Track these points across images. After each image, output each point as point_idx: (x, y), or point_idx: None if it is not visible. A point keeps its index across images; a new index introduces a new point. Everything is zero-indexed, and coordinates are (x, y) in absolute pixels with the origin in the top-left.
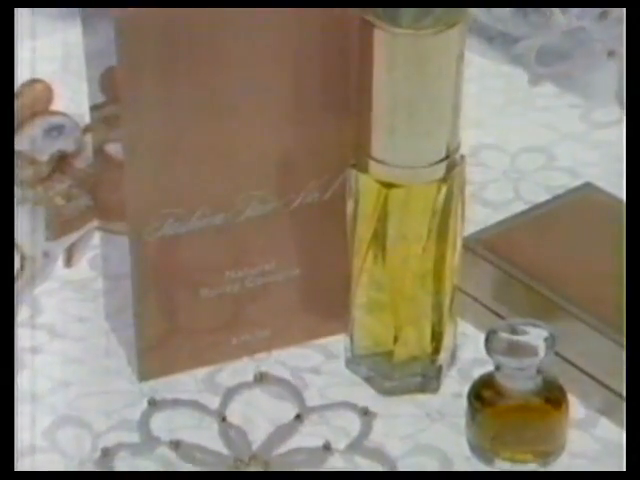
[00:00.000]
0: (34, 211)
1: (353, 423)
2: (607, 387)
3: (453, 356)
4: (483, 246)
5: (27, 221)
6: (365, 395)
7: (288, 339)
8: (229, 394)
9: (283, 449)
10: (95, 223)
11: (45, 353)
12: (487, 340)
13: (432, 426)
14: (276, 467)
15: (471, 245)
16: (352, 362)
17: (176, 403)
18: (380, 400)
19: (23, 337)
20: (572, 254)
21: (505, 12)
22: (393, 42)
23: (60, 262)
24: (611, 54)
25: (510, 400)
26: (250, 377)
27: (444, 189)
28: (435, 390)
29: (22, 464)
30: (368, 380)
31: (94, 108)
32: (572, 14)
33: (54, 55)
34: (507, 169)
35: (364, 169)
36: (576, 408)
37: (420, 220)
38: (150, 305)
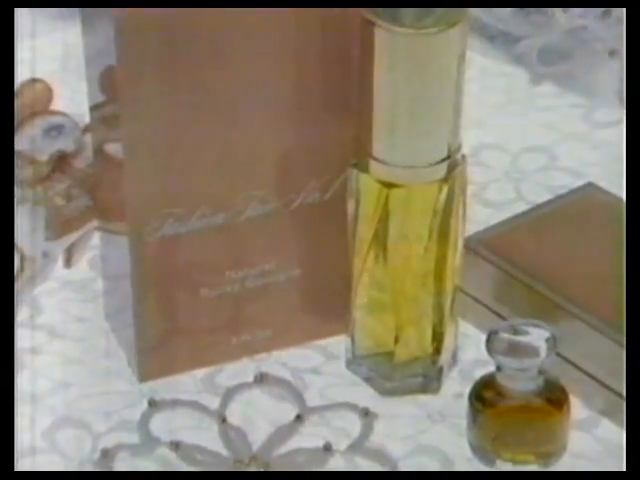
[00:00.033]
0: (34, 211)
1: (354, 424)
2: (608, 388)
3: (454, 357)
4: (484, 246)
5: (27, 221)
6: (366, 396)
7: (288, 339)
8: (229, 395)
9: (283, 450)
10: (95, 223)
11: (45, 354)
12: (488, 341)
13: (433, 427)
14: (276, 468)
15: (472, 245)
16: (353, 363)
17: (176, 404)
18: (381, 401)
19: (23, 337)
20: (574, 254)
21: (506, 11)
22: (394, 41)
23: (60, 262)
24: (613, 53)
25: (511, 401)
26: (250, 378)
27: (445, 189)
28: (436, 391)
29: (22, 465)
30: (369, 381)
31: (94, 108)
32: (574, 13)
33: (54, 55)
34: (508, 169)
35: (365, 169)
36: (577, 409)
37: (421, 220)
38: (150, 305)
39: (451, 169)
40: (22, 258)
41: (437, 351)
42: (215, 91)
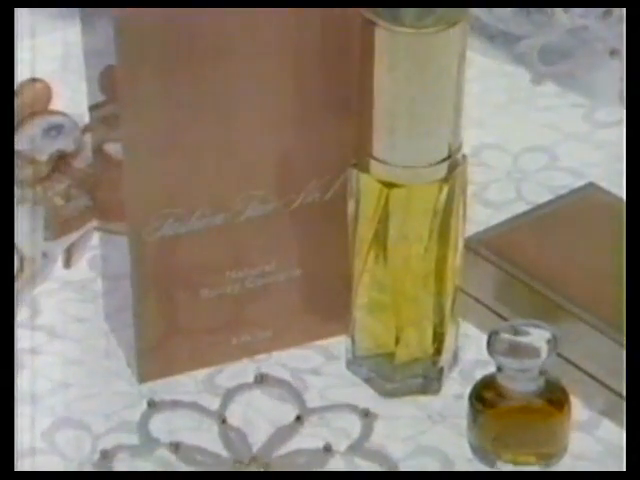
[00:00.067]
0: (33, 211)
1: (354, 425)
2: (610, 388)
3: (455, 357)
4: (485, 247)
5: (26, 221)
6: (366, 396)
7: (289, 340)
8: (229, 395)
9: (283, 451)
10: (94, 223)
11: (44, 354)
12: (489, 341)
13: (433, 428)
14: (276, 469)
15: (473, 245)
16: (353, 363)
17: (176, 404)
18: (381, 401)
19: (22, 338)
20: (575, 255)
21: (507, 11)
22: (394, 41)
23: (59, 263)
24: (614, 53)
25: (512, 401)
26: (250, 378)
27: (446, 189)
28: (436, 391)
29: (21, 466)
30: (369, 381)
31: (93, 107)
32: (575, 13)
33: (53, 54)
34: (509, 169)
35: (365, 169)
36: (578, 410)
37: (422, 220)
38: (150, 306)
39: (451, 169)
40: (21, 258)
41: (438, 352)
42: (215, 91)
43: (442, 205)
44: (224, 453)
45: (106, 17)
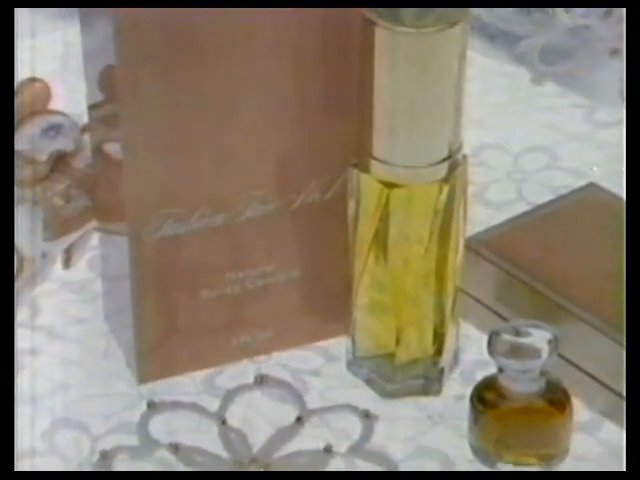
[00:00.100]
0: (33, 211)
1: (354, 426)
2: (611, 389)
3: (455, 358)
4: (486, 247)
5: (25, 221)
6: (366, 397)
7: (289, 341)
8: (229, 396)
9: (284, 452)
10: (94, 223)
11: (44, 355)
12: (490, 342)
13: (434, 429)
14: (277, 470)
15: (473, 246)
16: (353, 364)
17: (175, 405)
18: (382, 402)
19: (22, 338)
20: (575, 255)
21: (507, 10)
22: (395, 41)
23: (59, 263)
24: (615, 53)
25: (513, 402)
26: (250, 379)
27: (446, 189)
28: (437, 392)
29: (21, 467)
30: (369, 382)
31: (93, 107)
32: (576, 12)
33: (53, 54)
34: (510, 169)
35: (365, 169)
36: (580, 411)
37: (422, 220)
38: (149, 306)
39: (452, 169)
40: (21, 259)
41: (438, 352)
42: (215, 91)
43: (442, 205)
44: (224, 454)
45: (105, 17)
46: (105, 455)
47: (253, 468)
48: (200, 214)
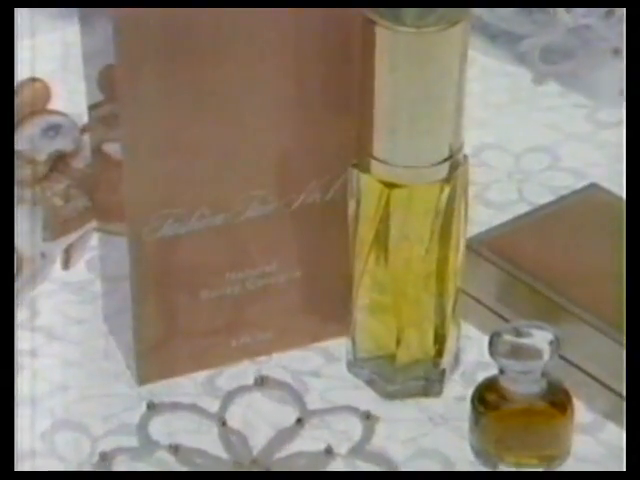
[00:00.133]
0: (32, 212)
1: (355, 427)
2: (613, 390)
3: (456, 359)
4: (487, 247)
5: (25, 222)
6: (367, 399)
7: (289, 342)
8: (229, 397)
9: (284, 453)
10: (93, 224)
11: (43, 356)
12: (491, 343)
13: (435, 430)
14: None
15: (474, 246)
16: (354, 365)
17: (175, 407)
18: (382, 404)
19: (21, 339)
20: (577, 256)
21: (509, 10)
22: (395, 40)
23: (58, 263)
24: (616, 52)
25: (514, 404)
26: (250, 380)
27: (447, 189)
28: (438, 394)
29: (20, 468)
30: (370, 383)
31: (92, 107)
32: (577, 12)
33: (52, 54)
34: (511, 170)
35: (366, 169)
36: (581, 412)
37: (423, 221)
38: (149, 307)
39: (453, 169)
40: (20, 259)
41: (439, 353)
42: (215, 91)
43: (443, 205)
44: (224, 456)
45: (105, 17)
46: (105, 456)
47: (253, 469)
48: (200, 214)
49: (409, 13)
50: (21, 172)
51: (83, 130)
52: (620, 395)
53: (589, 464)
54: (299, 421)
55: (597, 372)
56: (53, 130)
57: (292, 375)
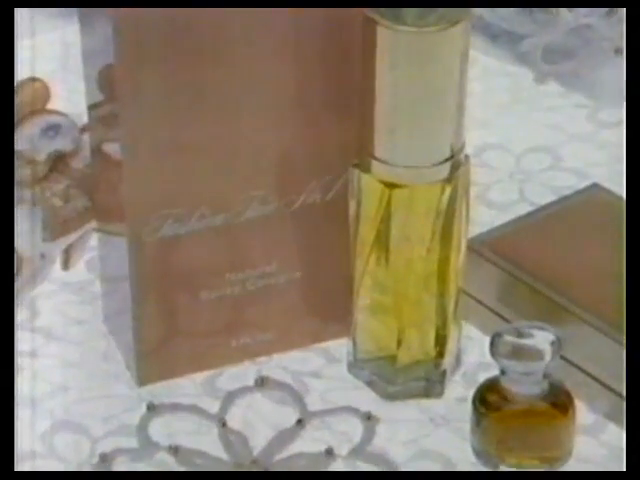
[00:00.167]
0: (31, 212)
1: (356, 428)
2: (614, 391)
3: (457, 360)
4: (488, 248)
5: (24, 222)
6: (368, 399)
7: (289, 342)
8: (229, 398)
9: (284, 455)
10: (93, 224)
11: (42, 356)
12: (492, 344)
13: (436, 431)
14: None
15: (476, 247)
16: (354, 366)
17: (175, 408)
18: (383, 405)
19: (20, 340)
20: (578, 256)
21: (510, 10)
22: (396, 40)
23: (58, 264)
24: (618, 51)
25: (516, 405)
26: (251, 381)
27: (448, 190)
28: (439, 394)
29: (20, 469)
30: (371, 384)
31: (92, 107)
32: (578, 11)
33: (52, 53)
34: (512, 170)
35: (367, 169)
36: (583, 413)
37: (424, 221)
38: (149, 308)
39: (454, 169)
40: (20, 259)
41: (440, 354)
42: (215, 90)
43: (444, 206)
44: (224, 457)
45: (105, 16)
46: (105, 458)
47: (253, 470)
48: (200, 214)
49: (410, 13)
50: (21, 172)
51: (83, 130)
52: (621, 396)
53: (590, 465)
54: (299, 422)
55: (598, 373)
56: (53, 130)
57: (292, 376)
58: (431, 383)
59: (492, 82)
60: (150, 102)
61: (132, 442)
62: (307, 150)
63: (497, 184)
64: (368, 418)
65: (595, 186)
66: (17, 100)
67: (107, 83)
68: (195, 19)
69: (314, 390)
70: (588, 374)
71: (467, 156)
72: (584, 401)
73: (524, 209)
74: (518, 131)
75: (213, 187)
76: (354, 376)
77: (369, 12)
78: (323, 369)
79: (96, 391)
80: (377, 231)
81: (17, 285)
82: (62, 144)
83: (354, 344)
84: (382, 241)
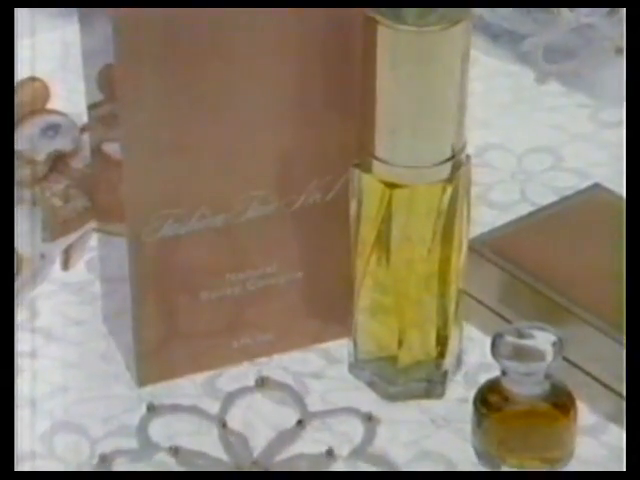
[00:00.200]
0: (31, 212)
1: (356, 429)
2: (616, 392)
3: (459, 361)
4: (489, 248)
5: (24, 222)
6: (369, 400)
7: (290, 343)
8: (229, 399)
9: (285, 456)
10: (93, 224)
11: (42, 357)
12: (493, 344)
13: (437, 432)
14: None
15: (477, 247)
16: (355, 367)
17: (175, 408)
18: (384, 405)
19: (20, 340)
20: (580, 256)
21: (511, 9)
22: (397, 39)
23: (57, 264)
24: (619, 51)
25: (517, 405)
26: (251, 382)
27: (449, 190)
28: (440, 395)
29: (19, 470)
30: (372, 385)
31: (92, 107)
32: (580, 11)
33: (52, 53)
34: (514, 170)
35: (368, 169)
36: (584, 414)
37: (425, 221)
38: (149, 308)
39: (455, 169)
40: (20, 259)
41: (441, 355)
42: (215, 90)
43: (446, 206)
44: (224, 458)
45: (104, 16)
46: (104, 458)
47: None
48: (200, 215)
49: (410, 12)
50: (20, 172)
51: (82, 130)
52: (623, 397)
53: (592, 466)
54: (300, 423)
55: (600, 374)
56: (52, 130)
57: (293, 376)
58: (432, 384)
59: (493, 82)
60: (150, 102)
61: (132, 443)
62: (308, 150)
63: (498, 184)
64: (369, 419)
65: (597, 186)
66: (17, 100)
67: (107, 83)
68: (195, 19)
69: (314, 391)
70: (589, 375)
71: (468, 156)
72: (585, 402)
73: (525, 209)
74: (519, 131)
75: (213, 187)
76: (355, 377)
77: (370, 11)
78: (324, 370)
79: (96, 392)
80: (378, 231)
81: (17, 285)
82: (62, 144)
83: (355, 345)
84: (383, 241)
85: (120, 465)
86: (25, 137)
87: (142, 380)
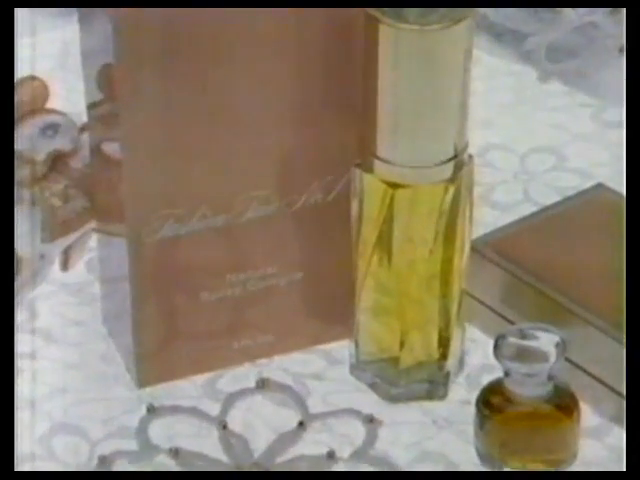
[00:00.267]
0: (30, 212)
1: (358, 431)
2: (619, 393)
3: (461, 362)
4: (492, 249)
5: (24, 223)
6: (370, 402)
7: (291, 344)
8: (230, 400)
9: (285, 457)
10: (92, 224)
11: (41, 358)
12: (496, 345)
13: (439, 434)
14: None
15: (479, 248)
16: (357, 368)
17: (175, 410)
18: (386, 407)
19: (20, 342)
20: (583, 257)
21: (513, 8)
22: (398, 38)
23: (56, 265)
24: (622, 50)
25: (520, 407)
26: (252, 383)
27: (451, 190)
28: (442, 397)
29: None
30: (373, 386)
31: (91, 106)
32: (582, 9)
33: (51, 52)
34: (516, 170)
35: (369, 169)
36: (588, 416)
37: (427, 222)
38: (149, 309)
39: (457, 169)
40: (19, 260)
41: (443, 356)
42: (215, 90)
43: (448, 206)
44: (225, 459)
45: (104, 16)
46: (104, 460)
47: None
48: (201, 215)
49: (412, 11)
50: (20, 172)
51: (82, 129)
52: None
53: (595, 468)
54: (301, 424)
55: (603, 375)
56: (52, 129)
57: (294, 378)
58: (434, 385)
59: (496, 81)
60: (150, 102)
61: (132, 444)
62: (309, 150)
63: (501, 184)
64: (370, 420)
65: (599, 186)
66: (16, 99)
67: (106, 82)
68: (195, 19)
69: (316, 392)
70: (593, 376)
71: (470, 156)
72: (589, 403)
73: (528, 209)
74: (522, 131)
75: (214, 187)
76: (356, 378)
77: (371, 10)
78: (325, 371)
79: (95, 393)
80: (379, 232)
81: (16, 286)
82: (61, 143)
83: (356, 346)
84: (384, 242)
85: (120, 467)
86: (24, 137)
87: (142, 381)
